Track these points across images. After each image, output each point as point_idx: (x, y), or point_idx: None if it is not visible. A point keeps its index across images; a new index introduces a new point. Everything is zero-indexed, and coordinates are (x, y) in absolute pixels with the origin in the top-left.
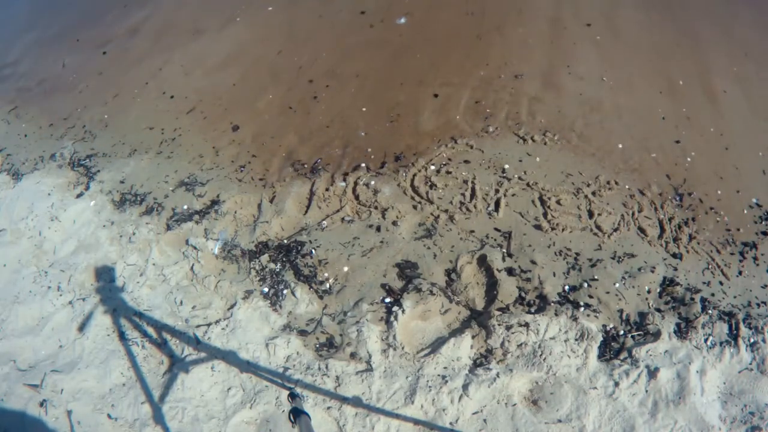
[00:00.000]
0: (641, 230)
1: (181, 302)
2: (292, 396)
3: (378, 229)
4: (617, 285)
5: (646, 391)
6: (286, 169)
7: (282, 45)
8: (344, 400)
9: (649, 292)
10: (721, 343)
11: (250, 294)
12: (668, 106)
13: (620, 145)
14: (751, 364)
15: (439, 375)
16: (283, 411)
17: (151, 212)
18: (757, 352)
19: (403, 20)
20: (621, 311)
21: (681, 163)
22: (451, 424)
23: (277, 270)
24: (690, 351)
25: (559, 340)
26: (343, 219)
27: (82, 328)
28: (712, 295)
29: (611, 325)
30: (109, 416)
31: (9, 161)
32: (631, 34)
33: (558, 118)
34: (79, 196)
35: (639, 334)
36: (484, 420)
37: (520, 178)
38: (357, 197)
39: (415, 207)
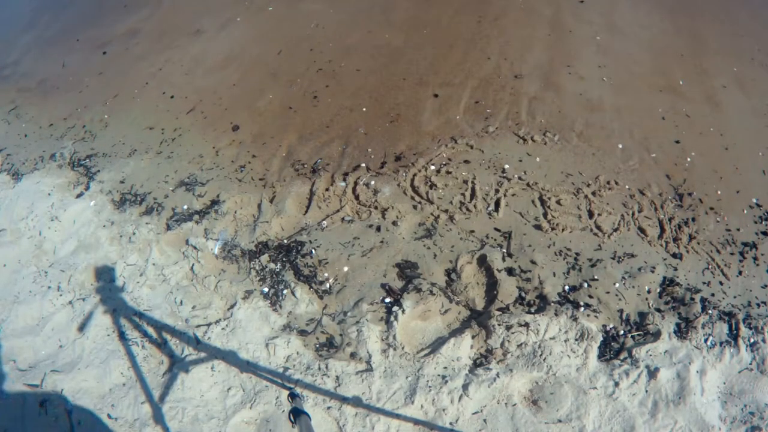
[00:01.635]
0: (641, 230)
1: (181, 302)
2: (292, 396)
3: (378, 229)
4: (617, 285)
5: (646, 391)
6: (286, 169)
7: (282, 45)
8: (344, 400)
9: (649, 292)
10: (721, 343)
11: (250, 294)
12: (668, 106)
13: (620, 145)
14: (751, 364)
15: (439, 375)
16: (283, 411)
17: (151, 212)
18: (757, 352)
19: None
20: (621, 311)
21: (681, 163)
22: (451, 424)
23: (277, 270)
24: (690, 351)
25: (559, 340)
26: (343, 219)
27: (82, 328)
28: (712, 295)
29: (611, 325)
30: (109, 416)
31: (9, 161)
32: (632, 33)
33: (558, 118)
34: (79, 196)
35: (639, 334)
36: (484, 420)
37: (520, 178)
38: (357, 197)
39: (415, 207)
